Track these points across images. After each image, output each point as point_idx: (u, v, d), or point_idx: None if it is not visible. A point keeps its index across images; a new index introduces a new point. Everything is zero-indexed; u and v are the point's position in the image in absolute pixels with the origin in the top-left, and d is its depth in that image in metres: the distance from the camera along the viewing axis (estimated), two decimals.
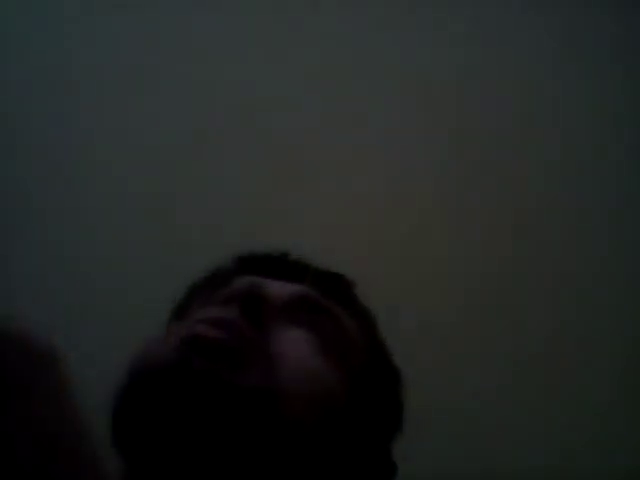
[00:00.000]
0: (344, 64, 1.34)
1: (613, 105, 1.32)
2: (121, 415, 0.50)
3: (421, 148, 1.30)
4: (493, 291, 1.22)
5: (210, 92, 1.32)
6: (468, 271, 1.23)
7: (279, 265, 0.65)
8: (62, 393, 0.43)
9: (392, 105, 1.32)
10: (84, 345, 1.19)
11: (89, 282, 1.23)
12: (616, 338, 1.20)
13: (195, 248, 1.23)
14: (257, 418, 0.49)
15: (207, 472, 0.49)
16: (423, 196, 1.27)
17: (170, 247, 1.23)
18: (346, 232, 1.22)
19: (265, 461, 0.49)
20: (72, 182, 1.29)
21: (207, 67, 1.34)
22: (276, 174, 1.27)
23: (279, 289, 0.58)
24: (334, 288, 0.62)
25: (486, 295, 1.21)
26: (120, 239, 1.25)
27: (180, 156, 1.29)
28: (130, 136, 1.31)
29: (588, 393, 1.16)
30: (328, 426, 0.53)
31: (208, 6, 1.36)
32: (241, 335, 0.51)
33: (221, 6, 1.36)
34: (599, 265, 1.24)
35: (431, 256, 1.23)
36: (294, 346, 0.54)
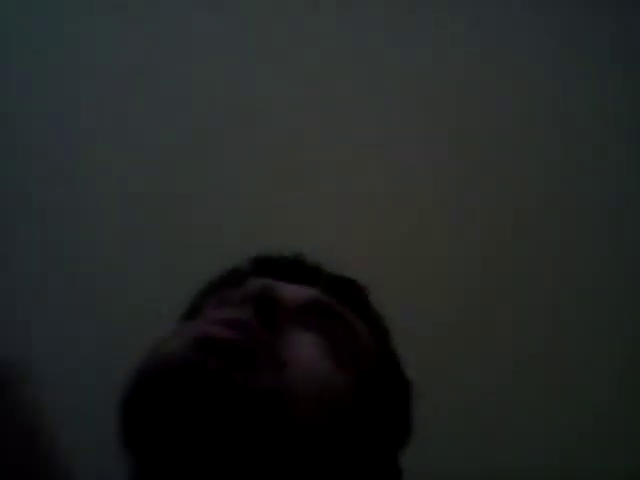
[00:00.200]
0: (344, 64, 1.34)
1: (613, 105, 1.32)
2: (131, 413, 0.50)
3: (421, 148, 1.30)
4: (493, 291, 1.22)
5: (210, 92, 1.32)
6: (468, 271, 1.23)
7: (294, 268, 0.65)
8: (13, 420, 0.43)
9: (392, 105, 1.32)
10: (84, 345, 1.19)
11: (89, 282, 1.23)
12: (616, 338, 1.20)
13: (195, 248, 1.23)
14: (265, 420, 0.49)
15: (215, 471, 0.49)
16: (423, 196, 1.27)
17: (170, 247, 1.23)
18: (346, 232, 1.22)
19: (272, 462, 0.49)
20: (72, 182, 1.29)
21: (207, 67, 1.34)
22: (276, 174, 1.27)
23: (293, 292, 0.58)
24: (348, 293, 0.63)
25: (486, 295, 1.21)
26: (120, 239, 1.25)
27: (180, 156, 1.29)
28: (130, 136, 1.31)
29: (588, 393, 1.16)
30: (335, 429, 0.53)
31: (208, 6, 1.36)
32: (254, 337, 0.51)
33: (221, 6, 1.36)
34: (599, 265, 1.24)
35: (431, 256, 1.23)
36: (305, 349, 0.54)
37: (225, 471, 0.49)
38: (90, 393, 1.13)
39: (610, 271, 1.24)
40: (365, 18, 1.36)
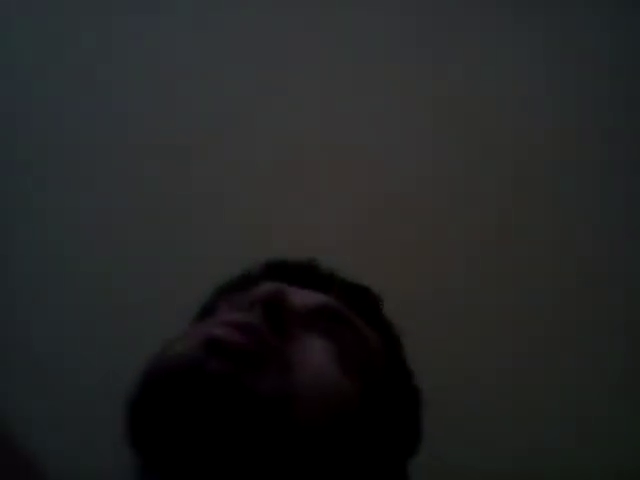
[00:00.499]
0: (344, 64, 1.34)
1: (613, 105, 1.32)
2: (139, 414, 0.50)
3: (422, 148, 1.30)
4: (493, 291, 1.22)
5: (210, 92, 1.32)
6: (468, 271, 1.23)
7: (307, 273, 0.65)
8: None
9: (392, 105, 1.32)
10: (84, 345, 1.19)
11: (89, 282, 1.23)
12: (616, 338, 1.20)
13: (195, 248, 1.23)
14: (271, 423, 0.49)
15: (222, 473, 0.49)
16: (423, 196, 1.27)
17: (170, 247, 1.23)
18: (346, 232, 1.22)
19: (278, 466, 0.50)
20: (72, 182, 1.29)
21: (207, 67, 1.34)
22: (276, 174, 1.27)
23: (303, 297, 0.59)
24: (359, 301, 0.63)
25: (486, 295, 1.21)
26: (120, 239, 1.25)
27: (180, 156, 1.29)
28: (130, 136, 1.31)
29: (588, 393, 1.16)
30: (341, 434, 0.53)
31: (208, 6, 1.36)
32: (262, 341, 0.51)
33: (221, 6, 1.36)
34: (599, 265, 1.24)
35: (431, 256, 1.23)
36: (314, 354, 0.54)
37: (231, 473, 0.49)
38: (90, 393, 1.14)
39: (610, 271, 1.24)
40: (365, 18, 1.36)
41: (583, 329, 1.19)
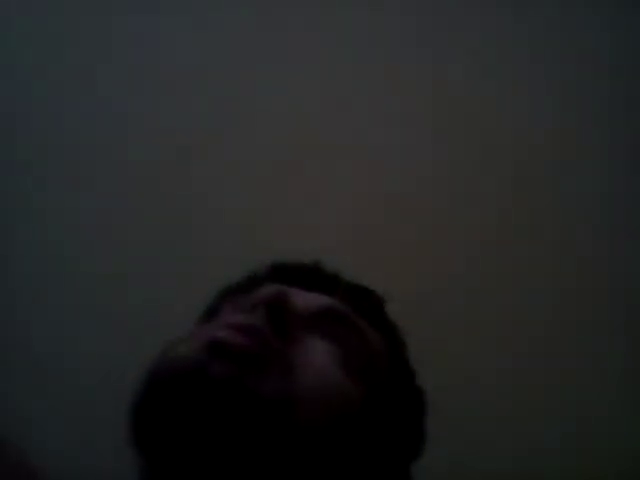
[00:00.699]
0: (344, 64, 1.34)
1: (613, 105, 1.32)
2: (142, 415, 0.50)
3: (421, 148, 1.30)
4: (493, 291, 1.22)
5: (210, 92, 1.32)
6: (468, 271, 1.23)
7: (311, 276, 0.65)
8: None
9: (392, 105, 1.32)
10: (84, 345, 1.19)
11: (89, 282, 1.23)
12: (616, 338, 1.20)
13: (195, 248, 1.23)
14: (274, 425, 0.49)
15: (224, 475, 0.49)
16: (423, 196, 1.27)
17: (170, 247, 1.24)
18: (346, 232, 1.22)
19: (280, 468, 0.50)
20: (72, 182, 1.29)
21: (207, 67, 1.34)
22: (276, 174, 1.27)
23: (306, 299, 0.59)
24: (364, 303, 0.63)
25: (486, 295, 1.21)
26: (120, 239, 1.25)
27: (180, 156, 1.29)
28: (130, 136, 1.31)
29: (588, 393, 1.16)
30: (344, 436, 0.53)
31: (208, 6, 1.36)
32: (264, 343, 0.51)
33: (221, 6, 1.36)
34: (599, 265, 1.24)
35: (431, 256, 1.23)
36: (317, 357, 0.54)
37: (234, 474, 0.49)
38: (90, 393, 1.14)
39: (610, 271, 1.24)
40: (365, 18, 1.36)
41: (583, 329, 1.19)
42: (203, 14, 1.36)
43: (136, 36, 1.36)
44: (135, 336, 1.12)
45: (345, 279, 0.66)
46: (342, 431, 0.53)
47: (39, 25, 1.37)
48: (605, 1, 1.36)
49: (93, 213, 1.27)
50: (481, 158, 1.29)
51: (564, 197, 1.28)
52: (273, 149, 1.29)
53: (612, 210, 1.27)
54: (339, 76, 1.33)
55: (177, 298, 1.14)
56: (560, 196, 1.28)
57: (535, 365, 1.17)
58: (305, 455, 0.50)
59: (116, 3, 1.37)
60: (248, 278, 0.66)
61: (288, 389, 0.50)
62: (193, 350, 0.50)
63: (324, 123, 1.30)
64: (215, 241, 1.22)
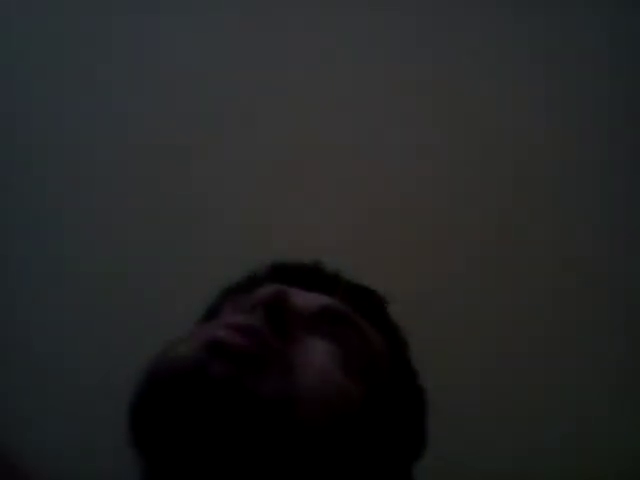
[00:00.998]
0: (344, 64, 1.34)
1: (613, 105, 1.32)
2: (141, 415, 0.50)
3: (421, 148, 1.30)
4: (493, 291, 1.22)
5: (210, 92, 1.32)
6: (468, 271, 1.23)
7: (312, 275, 0.65)
8: None
9: (392, 105, 1.32)
10: (84, 345, 1.19)
11: (89, 282, 1.23)
12: (616, 338, 1.20)
13: (195, 248, 1.23)
14: (273, 425, 0.49)
15: (224, 474, 0.49)
16: (423, 196, 1.27)
17: (170, 247, 1.24)
18: (346, 232, 1.22)
19: (280, 468, 0.50)
20: (72, 182, 1.29)
21: (207, 67, 1.34)
22: (276, 174, 1.27)
23: (306, 299, 0.58)
24: (364, 303, 0.63)
25: (486, 295, 1.21)
26: (120, 239, 1.25)
27: (180, 156, 1.29)
28: (130, 136, 1.31)
29: (588, 393, 1.16)
30: (344, 437, 0.53)
31: (208, 6, 1.36)
32: (262, 342, 0.51)
33: (221, 6, 1.37)
34: (599, 265, 1.24)
35: (431, 256, 1.23)
36: (316, 357, 0.54)
37: (234, 475, 0.49)
38: (90, 393, 1.14)
39: (610, 271, 1.24)
40: (365, 18, 1.36)
41: (583, 329, 1.19)
42: (203, 14, 1.36)
43: (136, 36, 1.36)
44: (135, 336, 1.12)
45: (346, 279, 0.66)
46: (342, 431, 0.53)
47: (39, 25, 1.37)
48: (605, 1, 1.36)
49: (93, 213, 1.27)
50: (481, 158, 1.29)
51: (564, 197, 1.28)
52: (273, 149, 1.29)
53: (612, 210, 1.27)
54: (339, 76, 1.33)
55: (177, 298, 1.14)
56: (560, 196, 1.28)
57: (535, 365, 1.17)
58: (305, 455, 0.50)
59: (116, 3, 1.37)
60: (248, 278, 0.66)
61: (288, 389, 0.50)
62: (192, 350, 0.50)
63: (324, 123, 1.30)
64: (215, 241, 1.22)
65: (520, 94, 1.32)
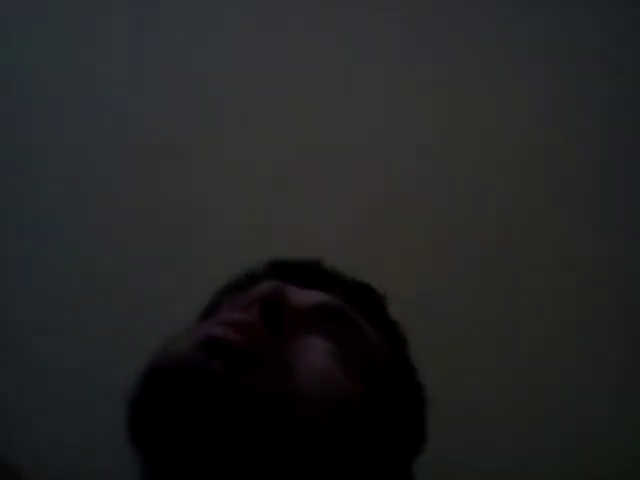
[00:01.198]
0: (344, 64, 1.34)
1: (613, 105, 1.32)
2: (139, 412, 0.50)
3: (421, 148, 1.30)
4: (493, 291, 1.22)
5: (210, 92, 1.32)
6: (468, 271, 1.23)
7: (310, 273, 0.65)
8: None
9: (392, 105, 1.32)
10: (84, 345, 1.19)
11: (89, 282, 1.23)
12: (616, 338, 1.20)
13: (195, 248, 1.23)
14: (270, 422, 0.49)
15: (222, 472, 0.49)
16: (423, 196, 1.27)
17: (170, 247, 1.24)
18: (346, 232, 1.22)
19: (278, 465, 0.50)
20: (72, 182, 1.29)
21: (207, 67, 1.34)
22: (276, 174, 1.27)
23: (303, 296, 0.58)
24: (363, 300, 0.62)
25: (486, 295, 1.21)
26: (120, 239, 1.25)
27: (180, 156, 1.29)
28: (130, 136, 1.31)
29: (588, 393, 1.16)
30: (343, 433, 0.53)
31: (208, 6, 1.36)
32: (258, 339, 0.51)
33: (221, 6, 1.37)
34: (599, 265, 1.24)
35: (431, 256, 1.23)
36: (313, 354, 0.54)
37: (231, 472, 0.49)
38: (90, 393, 1.14)
39: (610, 271, 1.24)
40: (365, 18, 1.36)
41: (583, 329, 1.19)
42: (203, 14, 1.36)
43: (136, 36, 1.36)
44: (135, 336, 1.12)
45: (344, 276, 0.66)
46: (341, 428, 0.53)
47: (39, 25, 1.37)
48: (605, 1, 1.36)
49: (93, 213, 1.27)
50: (481, 158, 1.29)
51: (564, 197, 1.28)
52: (273, 149, 1.29)
53: (612, 210, 1.27)
54: (339, 76, 1.33)
55: (177, 298, 1.14)
56: (560, 196, 1.28)
57: (535, 365, 1.17)
58: (304, 452, 0.50)
59: (116, 3, 1.37)
60: (246, 275, 0.66)
61: (285, 386, 0.50)
62: (187, 347, 0.50)
63: (324, 123, 1.30)
64: (215, 241, 1.22)
65: (520, 94, 1.32)
